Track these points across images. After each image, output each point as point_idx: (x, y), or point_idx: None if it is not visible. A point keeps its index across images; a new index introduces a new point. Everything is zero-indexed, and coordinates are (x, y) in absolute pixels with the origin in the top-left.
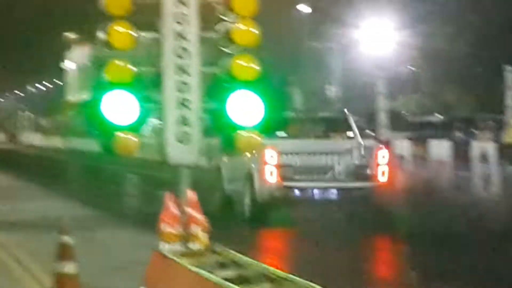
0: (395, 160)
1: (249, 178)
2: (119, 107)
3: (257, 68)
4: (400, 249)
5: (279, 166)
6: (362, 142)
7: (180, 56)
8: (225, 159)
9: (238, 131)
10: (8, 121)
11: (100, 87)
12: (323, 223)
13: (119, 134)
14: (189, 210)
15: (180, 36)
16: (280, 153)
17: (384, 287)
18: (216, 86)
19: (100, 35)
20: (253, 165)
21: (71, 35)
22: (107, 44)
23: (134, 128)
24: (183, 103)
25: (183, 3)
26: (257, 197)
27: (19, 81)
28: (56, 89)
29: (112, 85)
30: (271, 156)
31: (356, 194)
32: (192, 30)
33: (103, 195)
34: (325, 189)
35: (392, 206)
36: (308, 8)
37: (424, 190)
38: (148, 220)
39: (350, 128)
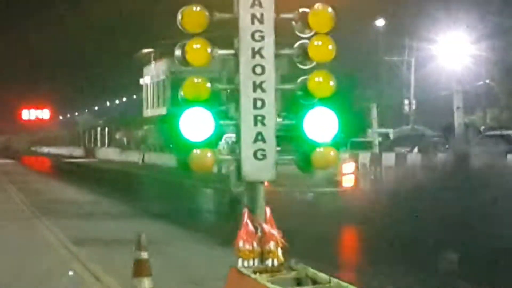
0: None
1: None
2: (195, 124)
3: (333, 84)
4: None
5: None
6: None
7: (256, 73)
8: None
9: (315, 148)
10: (86, 136)
11: (176, 103)
12: None
13: (195, 151)
14: (265, 226)
15: (257, 52)
16: None
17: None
18: (292, 103)
19: (177, 52)
20: None
21: (149, 52)
22: (184, 61)
23: (210, 144)
24: (259, 120)
25: (259, 20)
26: None
27: (98, 97)
28: (133, 104)
29: (189, 102)
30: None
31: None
32: (268, 46)
33: (178, 209)
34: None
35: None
36: (383, 22)
37: None
38: (223, 235)
39: None
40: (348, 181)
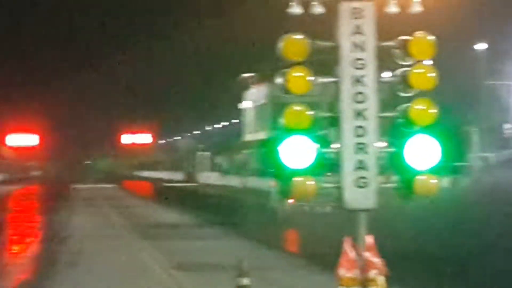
0: None
1: None
2: (296, 152)
3: (435, 112)
4: None
5: None
6: None
7: (357, 101)
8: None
9: (416, 175)
10: (186, 160)
11: (277, 129)
12: None
13: (297, 178)
14: (366, 254)
15: (357, 80)
16: None
17: None
18: (393, 130)
19: (278, 80)
20: None
21: (249, 76)
22: (285, 89)
23: (311, 172)
24: (360, 148)
25: (361, 48)
26: None
27: (198, 121)
28: (233, 128)
29: (290, 131)
30: None
31: None
32: (369, 74)
33: (278, 234)
34: None
35: None
36: (484, 46)
37: None
38: (324, 261)
39: None
40: None
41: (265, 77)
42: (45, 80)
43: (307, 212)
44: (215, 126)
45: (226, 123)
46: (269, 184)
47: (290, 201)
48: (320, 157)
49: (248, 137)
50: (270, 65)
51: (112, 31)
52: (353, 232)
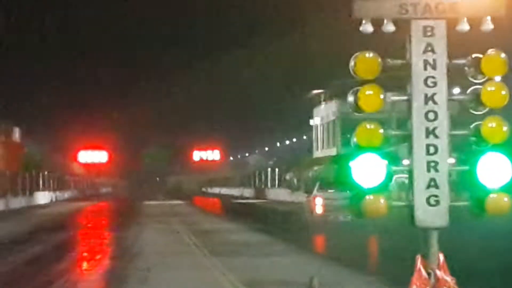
0: None
1: None
2: (368, 170)
3: (507, 130)
4: None
5: None
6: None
7: (429, 119)
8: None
9: (488, 194)
10: (255, 176)
11: (347, 144)
12: None
13: (368, 197)
14: (438, 273)
15: (429, 98)
16: None
17: None
18: (465, 148)
19: (350, 98)
20: None
21: (319, 92)
22: (357, 108)
23: (382, 189)
24: (432, 166)
25: (432, 66)
26: None
27: (268, 138)
28: (303, 145)
29: (362, 149)
30: None
31: None
32: (441, 92)
33: (348, 250)
34: None
35: None
36: None
37: None
38: (394, 278)
39: None
40: None
41: (335, 94)
42: (116, 99)
43: (331, 221)
44: (285, 142)
45: (295, 140)
46: (302, 198)
47: (319, 211)
48: (391, 175)
49: (318, 153)
50: (340, 82)
51: (183, 46)
52: (423, 250)
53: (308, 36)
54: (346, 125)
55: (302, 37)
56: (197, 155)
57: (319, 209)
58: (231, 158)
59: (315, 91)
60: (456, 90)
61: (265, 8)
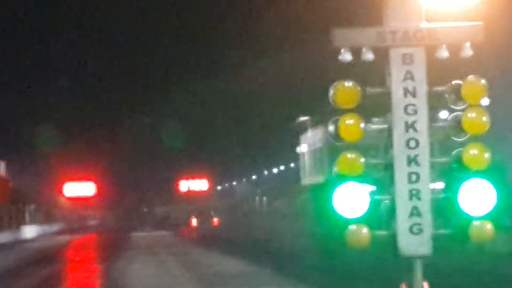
0: None
1: None
2: (350, 200)
3: (489, 156)
4: None
5: None
6: None
7: (410, 147)
8: None
9: (471, 221)
10: (244, 205)
11: (331, 176)
12: None
13: (351, 226)
14: None
15: (410, 126)
16: None
17: None
18: (447, 176)
19: (330, 127)
20: None
21: (305, 120)
22: (337, 137)
23: (365, 220)
24: (414, 194)
25: (412, 93)
26: None
27: (255, 166)
28: (290, 172)
29: (343, 178)
30: None
31: None
32: (422, 120)
33: (337, 279)
34: None
35: None
36: None
37: None
38: None
39: None
40: None
41: (321, 120)
42: (101, 129)
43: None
44: (273, 170)
45: (283, 167)
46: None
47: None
48: (374, 204)
49: (305, 181)
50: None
51: (166, 78)
52: (407, 278)
53: (293, 63)
54: (333, 152)
55: (287, 63)
56: (184, 185)
57: None
58: (219, 187)
59: (302, 118)
60: (444, 114)
61: (248, 36)
